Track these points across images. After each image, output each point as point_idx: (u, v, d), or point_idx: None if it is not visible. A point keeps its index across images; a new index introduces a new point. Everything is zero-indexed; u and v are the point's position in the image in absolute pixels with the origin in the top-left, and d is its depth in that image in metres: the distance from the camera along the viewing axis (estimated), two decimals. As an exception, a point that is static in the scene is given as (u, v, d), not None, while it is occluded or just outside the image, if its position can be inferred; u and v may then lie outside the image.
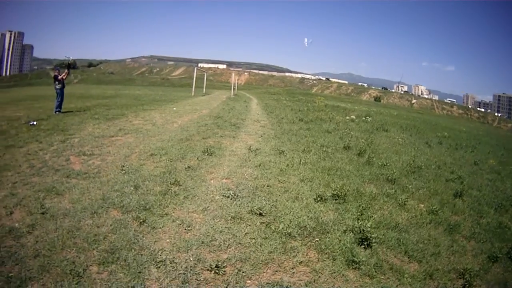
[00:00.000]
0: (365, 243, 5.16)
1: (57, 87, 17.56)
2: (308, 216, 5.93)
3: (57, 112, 16.96)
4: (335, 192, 6.95)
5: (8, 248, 4.41)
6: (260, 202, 6.37)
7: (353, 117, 24.73)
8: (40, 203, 5.79)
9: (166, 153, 9.52)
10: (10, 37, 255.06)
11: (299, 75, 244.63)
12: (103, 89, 54.16)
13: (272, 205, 6.33)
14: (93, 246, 4.61)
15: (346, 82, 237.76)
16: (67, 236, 4.78)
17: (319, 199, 6.71)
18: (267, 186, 7.36)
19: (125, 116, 17.06)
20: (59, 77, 17.65)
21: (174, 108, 22.76)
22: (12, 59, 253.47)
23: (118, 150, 9.80)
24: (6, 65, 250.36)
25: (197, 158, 9.15)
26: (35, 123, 13.49)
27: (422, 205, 7.40)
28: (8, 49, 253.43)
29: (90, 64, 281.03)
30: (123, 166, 8.09)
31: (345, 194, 6.98)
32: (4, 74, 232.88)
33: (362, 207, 6.43)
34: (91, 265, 4.21)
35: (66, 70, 18.93)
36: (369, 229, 5.31)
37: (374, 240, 5.22)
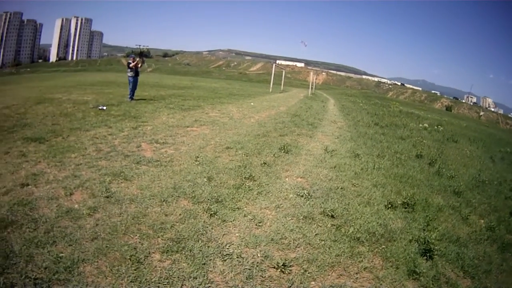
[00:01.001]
0: (428, 254, 5.33)
1: (129, 74, 18.68)
2: (377, 222, 6.09)
3: (129, 99, 17.96)
4: (405, 200, 7.19)
5: (63, 229, 4.67)
6: (333, 204, 6.53)
7: (426, 125, 25.24)
8: (105, 186, 6.14)
9: (242, 147, 9.84)
10: (76, 23, 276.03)
11: (376, 79, 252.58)
12: (179, 80, 56.69)
13: (344, 208, 6.48)
14: (159, 234, 4.78)
15: (420, 89, 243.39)
16: (132, 221, 5.01)
17: (389, 206, 6.94)
18: (341, 188, 7.52)
19: (201, 107, 17.90)
20: (131, 65, 18.63)
21: (252, 103, 23.52)
22: (79, 44, 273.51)
23: (193, 140, 10.20)
24: (73, 50, 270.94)
25: (273, 155, 9.44)
26: (104, 108, 14.36)
27: (482, 221, 7.49)
28: (75, 35, 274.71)
29: (166, 54, 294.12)
30: (197, 157, 8.41)
31: (414, 203, 7.19)
32: (70, 58, 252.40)
33: (429, 218, 6.66)
34: (153, 253, 4.37)
35: (138, 58, 19.77)
36: (433, 240, 5.50)
37: (436, 252, 5.38)
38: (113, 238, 4.56)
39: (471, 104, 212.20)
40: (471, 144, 20.55)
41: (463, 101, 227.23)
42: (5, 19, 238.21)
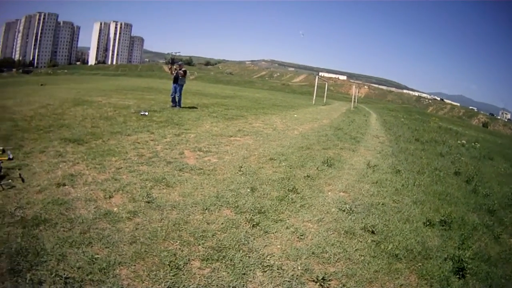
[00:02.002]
0: (461, 273, 5.44)
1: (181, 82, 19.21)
2: (415, 240, 6.17)
3: (172, 106, 18.45)
4: (443, 218, 7.29)
5: (100, 231, 4.79)
6: (374, 220, 6.59)
7: (464, 141, 25.88)
8: (146, 192, 6.28)
9: (286, 159, 9.94)
10: (116, 28, 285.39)
11: (416, 93, 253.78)
12: (221, 89, 57.87)
13: (385, 224, 6.54)
14: (200, 241, 4.84)
15: (458, 104, 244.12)
16: (172, 228, 5.09)
17: (428, 223, 7.04)
18: (382, 204, 7.59)
19: (245, 117, 18.17)
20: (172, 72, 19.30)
21: (295, 115, 23.84)
22: (119, 49, 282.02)
23: (237, 150, 10.36)
24: (112, 54, 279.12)
25: (317, 168, 9.50)
26: (146, 113, 14.73)
27: None
28: (114, 39, 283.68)
29: (208, 63, 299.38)
30: (241, 167, 8.51)
31: (451, 221, 7.29)
32: (110, 62, 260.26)
33: (464, 236, 6.75)
34: (193, 260, 4.41)
35: (169, 65, 20.13)
36: (466, 259, 5.59)
37: (468, 271, 5.47)
38: (153, 243, 4.63)
39: (506, 120, 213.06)
40: (505, 161, 20.61)
41: (498, 117, 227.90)
42: (39, 19, 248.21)
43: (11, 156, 7.17)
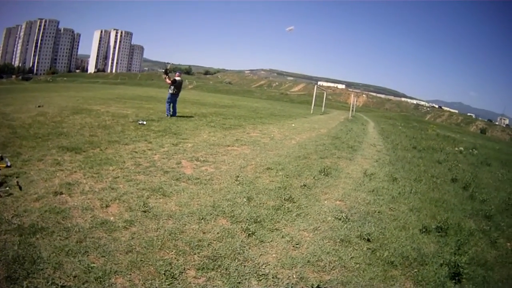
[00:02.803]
0: (457, 278, 5.53)
1: (169, 91, 19.58)
2: (411, 247, 6.27)
3: (169, 115, 18.67)
4: (439, 225, 7.43)
5: (96, 240, 4.82)
6: (370, 228, 6.69)
7: (461, 148, 26.45)
8: (143, 201, 6.31)
9: (283, 169, 10.02)
10: (116, 36, 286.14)
11: (414, 101, 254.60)
12: (220, 98, 58.33)
13: (380, 232, 6.64)
14: (195, 251, 4.87)
15: (457, 111, 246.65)
16: (168, 237, 5.12)
17: (424, 230, 7.17)
18: (378, 212, 7.70)
19: (243, 127, 18.38)
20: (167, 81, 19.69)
21: (293, 125, 24.13)
22: (119, 57, 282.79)
23: (234, 160, 10.44)
24: (112, 62, 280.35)
25: (313, 177, 9.60)
26: (144, 122, 14.86)
27: (509, 244, 7.61)
28: (114, 47, 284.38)
29: (207, 72, 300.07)
30: (238, 177, 8.56)
31: (448, 227, 7.41)
32: (109, 71, 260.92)
33: (460, 242, 6.84)
34: (189, 269, 4.44)
35: (164, 75, 20.45)
36: (463, 264, 5.70)
37: (464, 276, 5.55)
38: (148, 253, 4.66)
39: (504, 126, 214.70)
40: (503, 167, 20.93)
41: (496, 123, 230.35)
42: (40, 25, 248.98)
43: (9, 164, 7.17)
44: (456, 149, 25.38)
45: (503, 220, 8.95)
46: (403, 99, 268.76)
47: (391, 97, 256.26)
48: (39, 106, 17.34)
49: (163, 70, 21.62)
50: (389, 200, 8.66)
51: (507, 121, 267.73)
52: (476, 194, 10.91)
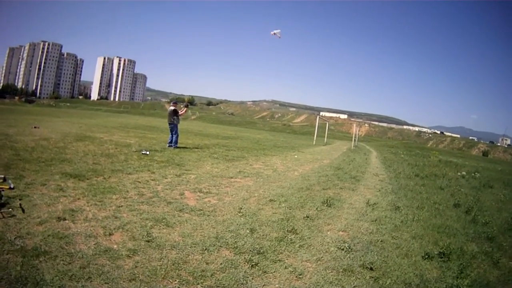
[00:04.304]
0: None
1: (174, 121, 19.71)
2: (414, 273, 6.31)
3: (171, 146, 18.92)
4: (441, 250, 7.46)
5: (100, 266, 4.85)
6: (372, 257, 6.69)
7: (464, 173, 26.72)
8: (146, 231, 6.36)
9: (286, 200, 10.02)
10: (119, 63, 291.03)
11: (416, 128, 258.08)
12: (223, 129, 58.67)
13: (383, 260, 6.64)
14: (199, 280, 4.89)
15: (458, 136, 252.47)
16: (172, 267, 5.14)
17: (426, 256, 7.21)
18: (381, 241, 7.71)
19: (246, 159, 18.50)
20: (180, 113, 19.94)
21: (296, 156, 24.26)
22: (122, 85, 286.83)
23: (237, 192, 10.47)
24: (115, 90, 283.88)
25: (316, 208, 9.59)
26: (148, 152, 15.05)
27: (511, 262, 7.73)
28: (117, 75, 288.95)
29: (210, 103, 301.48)
30: (241, 209, 8.60)
31: (450, 252, 7.45)
32: (112, 98, 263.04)
33: (463, 265, 6.91)
34: (192, 299, 4.42)
35: (183, 107, 20.71)
36: (465, 287, 5.86)
37: None
38: (152, 281, 4.68)
39: (506, 146, 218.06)
40: (505, 187, 21.01)
41: (498, 144, 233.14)
42: (43, 48, 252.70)
43: (12, 186, 7.29)
44: (459, 174, 25.67)
45: (505, 240, 9.06)
46: (405, 126, 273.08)
47: (393, 125, 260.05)
48: (35, 127, 17.57)
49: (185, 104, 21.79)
50: (391, 228, 8.72)
51: (508, 141, 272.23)
52: (479, 217, 11.02)
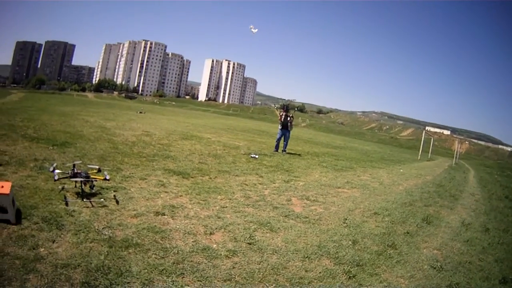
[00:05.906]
0: None
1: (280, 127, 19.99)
2: None
3: (282, 151, 19.25)
4: None
5: (195, 264, 4.90)
6: (459, 278, 6.65)
7: None
8: (249, 233, 6.40)
9: (389, 214, 9.93)
10: (228, 66, 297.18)
11: (509, 149, 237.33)
12: (332, 138, 59.71)
13: (467, 282, 6.61)
14: (295, 287, 4.84)
15: None
16: (270, 271, 5.12)
17: (503, 280, 7.11)
18: (469, 262, 7.58)
19: (353, 169, 18.40)
20: (290, 118, 20.07)
21: (401, 170, 24.03)
22: (231, 88, 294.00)
23: (343, 202, 10.38)
24: (224, 93, 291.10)
25: (416, 225, 9.48)
26: (257, 156, 15.43)
27: None
28: (226, 78, 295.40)
29: (320, 111, 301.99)
30: (346, 219, 8.53)
31: None
32: (221, 101, 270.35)
33: None
34: (287, 305, 4.36)
35: (281, 110, 21.01)
36: None
37: None
38: (248, 283, 4.68)
39: None
40: None
41: None
42: (145, 47, 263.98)
43: (107, 177, 7.37)
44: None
45: None
46: (500, 146, 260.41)
47: (490, 144, 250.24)
48: (140, 112, 18.18)
49: (284, 107, 21.73)
50: (479, 250, 8.51)
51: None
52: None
